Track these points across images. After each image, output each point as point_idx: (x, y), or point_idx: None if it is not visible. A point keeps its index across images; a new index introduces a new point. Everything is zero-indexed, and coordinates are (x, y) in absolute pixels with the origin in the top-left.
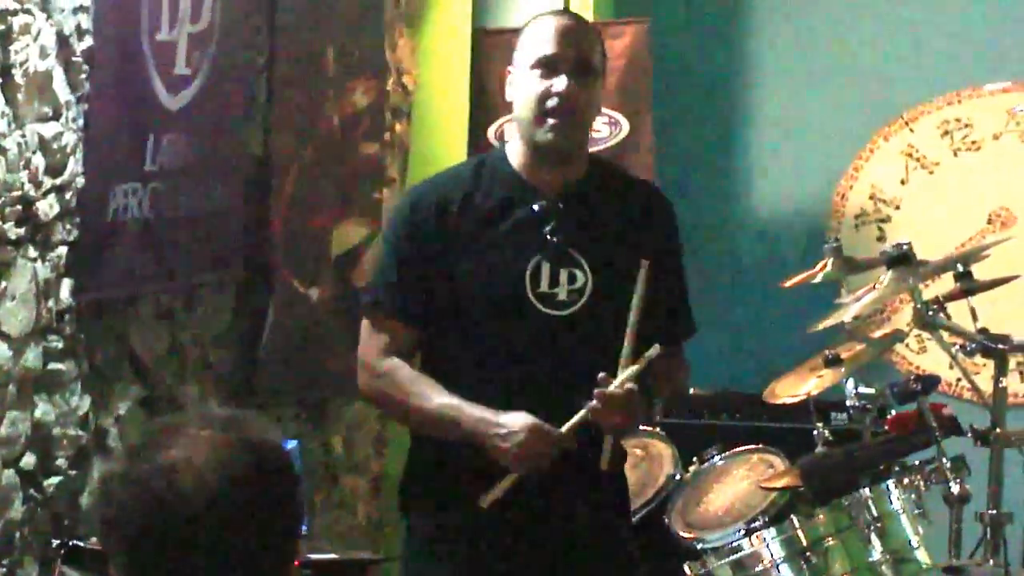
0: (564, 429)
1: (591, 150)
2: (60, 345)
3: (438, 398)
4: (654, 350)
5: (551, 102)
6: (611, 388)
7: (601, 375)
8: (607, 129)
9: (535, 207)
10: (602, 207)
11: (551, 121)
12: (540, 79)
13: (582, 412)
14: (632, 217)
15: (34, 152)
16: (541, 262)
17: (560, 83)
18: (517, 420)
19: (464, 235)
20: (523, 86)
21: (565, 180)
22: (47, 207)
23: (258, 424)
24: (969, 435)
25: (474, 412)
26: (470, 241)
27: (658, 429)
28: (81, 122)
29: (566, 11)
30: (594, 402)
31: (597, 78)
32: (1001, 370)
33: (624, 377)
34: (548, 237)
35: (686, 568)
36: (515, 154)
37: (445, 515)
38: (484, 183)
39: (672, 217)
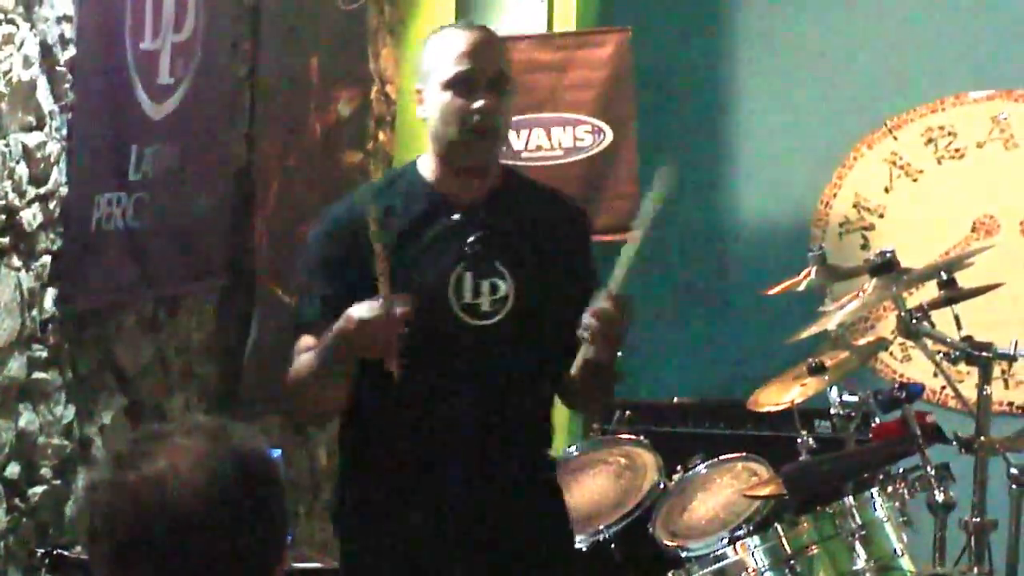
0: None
1: (575, 159)
2: (44, 354)
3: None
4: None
5: (473, 121)
6: (603, 301)
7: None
8: (590, 138)
9: (454, 217)
10: (518, 216)
11: (475, 139)
12: (457, 97)
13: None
14: (548, 225)
15: (18, 161)
16: (463, 273)
17: (480, 101)
18: (353, 312)
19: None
20: (439, 104)
21: (479, 192)
22: (31, 216)
23: (244, 433)
24: (953, 443)
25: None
26: (390, 257)
27: (642, 437)
28: (65, 131)
29: (472, 23)
30: (590, 320)
31: (511, 89)
32: (985, 378)
33: (616, 279)
34: (468, 247)
35: None
36: (428, 168)
37: (379, 538)
38: (399, 199)
39: (587, 225)
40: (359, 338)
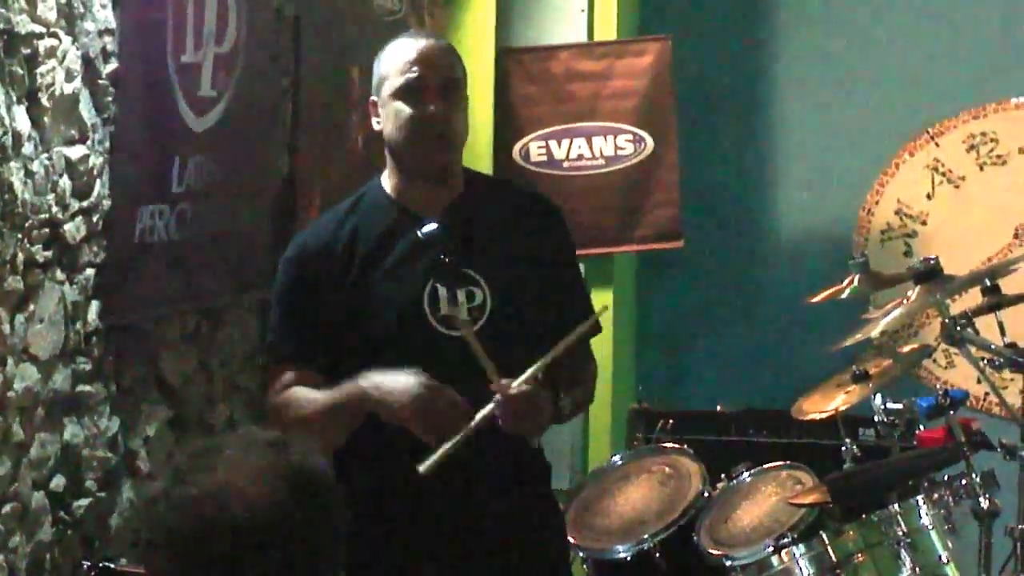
0: (470, 425)
1: (617, 168)
2: (88, 367)
3: (327, 394)
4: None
5: (423, 127)
6: (512, 388)
7: (497, 381)
8: (632, 147)
9: (420, 232)
10: (486, 220)
11: (425, 145)
12: (409, 105)
13: (484, 410)
14: (518, 225)
15: (61, 175)
16: (436, 285)
17: (430, 108)
18: (403, 386)
19: (355, 273)
20: (392, 113)
21: (443, 200)
22: (74, 229)
23: (302, 447)
24: (998, 450)
25: (360, 387)
26: (361, 278)
27: (685, 446)
28: (107, 144)
29: (423, 32)
30: (494, 403)
31: (462, 96)
32: None
33: (525, 377)
34: (439, 259)
35: None
36: (390, 183)
37: (369, 559)
38: (365, 218)
39: (560, 220)
40: (418, 413)
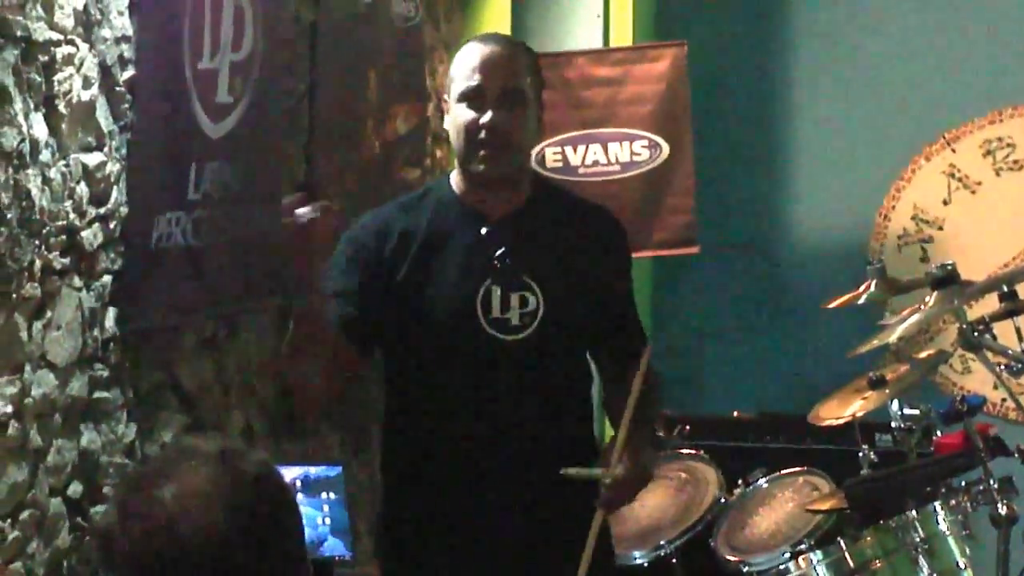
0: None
1: (632, 174)
2: (105, 374)
3: None
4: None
5: (480, 135)
6: (615, 471)
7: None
8: (647, 152)
9: (482, 231)
10: (549, 230)
11: (481, 153)
12: (468, 111)
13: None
14: (580, 238)
15: (78, 182)
16: (491, 287)
17: (486, 116)
18: None
19: (410, 263)
20: (454, 116)
21: (508, 204)
22: (91, 236)
23: (250, 454)
24: (1016, 455)
25: None
26: (416, 268)
27: (702, 452)
28: (124, 151)
29: (494, 35)
30: (604, 488)
31: (528, 103)
32: None
33: (619, 449)
34: (496, 261)
35: None
36: (457, 182)
37: (418, 559)
38: (428, 211)
39: (621, 238)
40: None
